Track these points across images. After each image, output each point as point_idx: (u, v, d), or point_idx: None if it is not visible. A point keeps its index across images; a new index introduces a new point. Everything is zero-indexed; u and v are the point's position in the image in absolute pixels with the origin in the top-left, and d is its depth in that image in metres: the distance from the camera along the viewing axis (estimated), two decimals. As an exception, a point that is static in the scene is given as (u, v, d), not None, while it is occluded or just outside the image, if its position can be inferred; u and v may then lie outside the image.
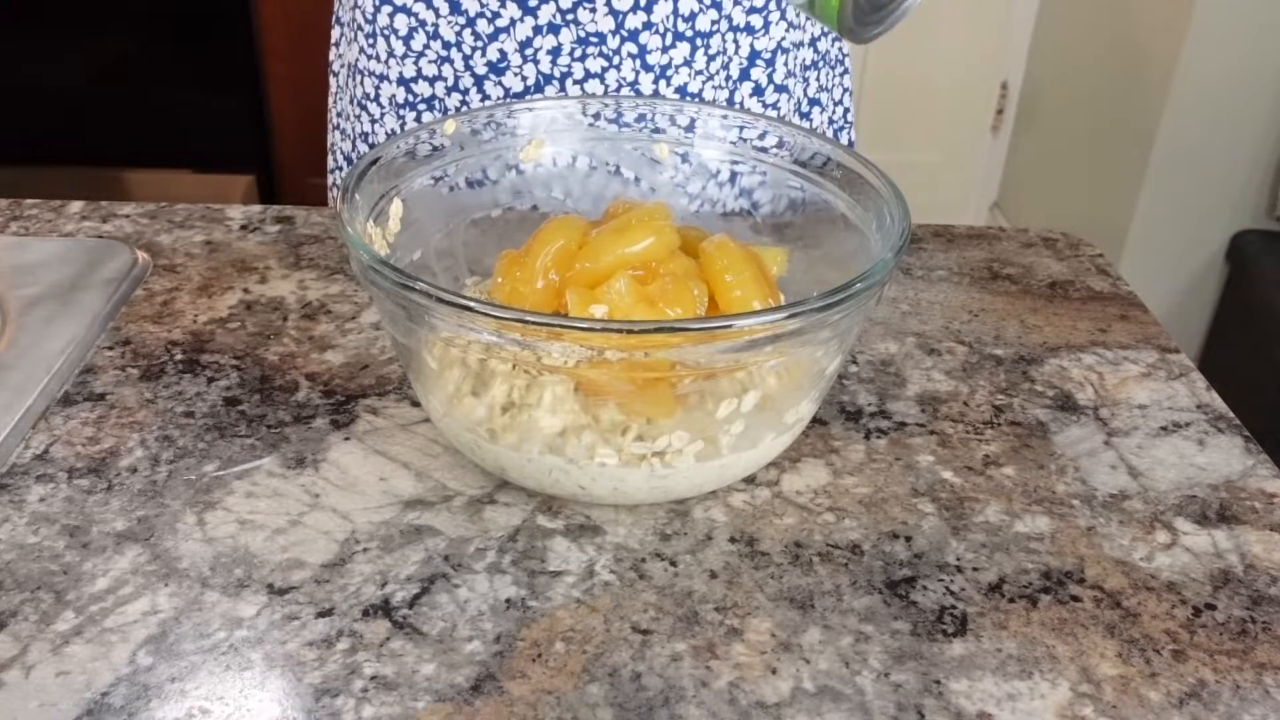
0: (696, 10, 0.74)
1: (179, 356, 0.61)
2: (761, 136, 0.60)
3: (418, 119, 0.79)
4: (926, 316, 0.68)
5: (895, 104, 2.46)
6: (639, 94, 0.75)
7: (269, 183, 2.32)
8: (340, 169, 0.88)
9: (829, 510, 0.52)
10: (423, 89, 0.77)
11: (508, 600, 0.47)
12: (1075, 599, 0.48)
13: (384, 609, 0.46)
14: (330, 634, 0.45)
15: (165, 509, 0.51)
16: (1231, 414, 0.61)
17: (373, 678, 0.43)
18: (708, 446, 0.49)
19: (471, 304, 0.44)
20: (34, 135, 2.24)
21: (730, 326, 0.45)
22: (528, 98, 0.78)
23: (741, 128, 0.60)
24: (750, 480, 0.54)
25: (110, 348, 0.62)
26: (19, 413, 0.55)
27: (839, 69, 0.87)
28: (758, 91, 0.79)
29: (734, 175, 0.62)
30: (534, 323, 0.44)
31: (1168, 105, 1.70)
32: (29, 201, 0.77)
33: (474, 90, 0.77)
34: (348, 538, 0.49)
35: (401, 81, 0.77)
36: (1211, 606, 0.48)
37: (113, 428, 0.56)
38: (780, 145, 0.59)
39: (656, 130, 0.61)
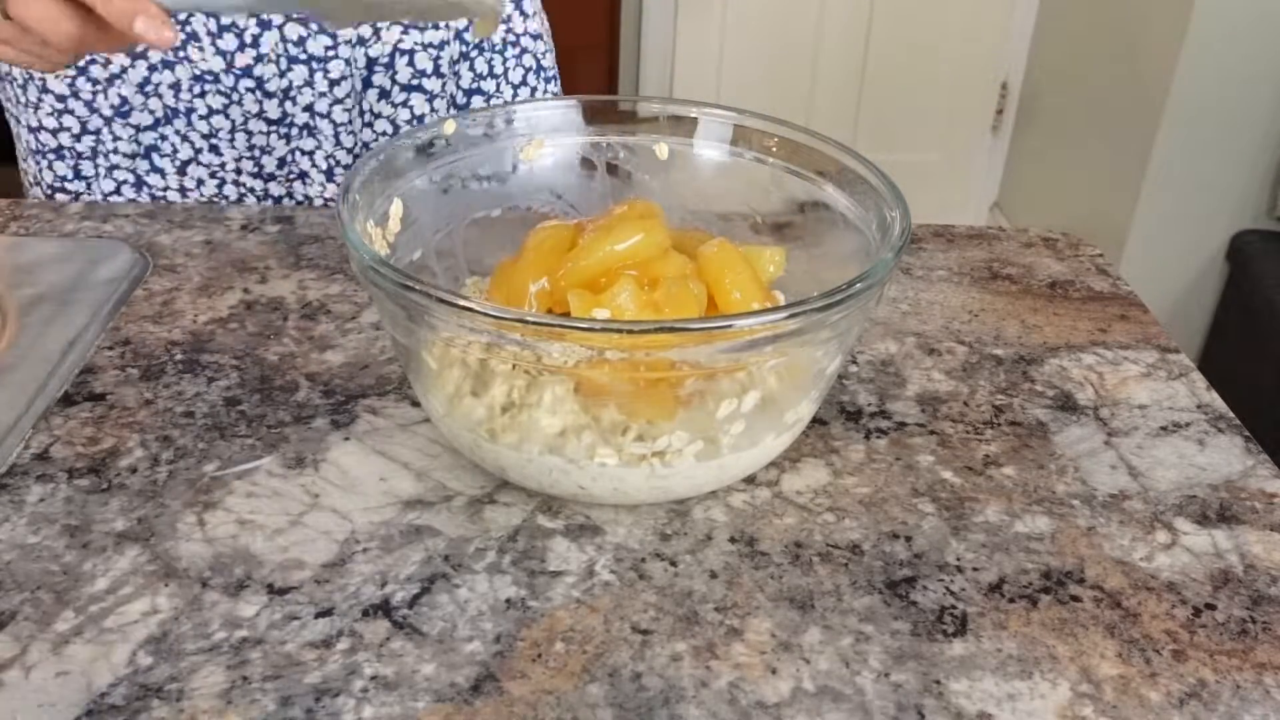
0: (305, 35, 0.79)
1: (179, 356, 0.61)
2: (762, 137, 0.60)
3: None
4: (926, 316, 0.68)
5: (895, 104, 2.46)
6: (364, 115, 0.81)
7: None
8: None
9: (829, 510, 0.52)
10: (47, 140, 0.82)
11: (508, 600, 0.47)
12: (1075, 599, 0.48)
13: (384, 609, 0.46)
14: (330, 634, 0.45)
15: (165, 509, 0.51)
16: (1231, 414, 0.61)
17: (373, 678, 0.43)
18: (708, 446, 0.49)
19: (472, 304, 0.44)
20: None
21: (730, 326, 0.45)
22: (529, 99, 0.79)
23: (742, 128, 0.60)
24: (750, 480, 0.54)
25: (110, 348, 0.62)
26: (19, 412, 0.55)
27: (513, 51, 0.88)
28: (384, 95, 0.84)
29: (734, 175, 0.62)
30: (534, 323, 0.44)
31: (1168, 105, 1.70)
32: (29, 201, 0.77)
33: (104, 129, 0.82)
34: (348, 538, 0.49)
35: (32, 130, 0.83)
36: (1211, 606, 0.48)
37: (112, 428, 0.56)
38: (781, 145, 0.59)
39: (657, 130, 0.61)
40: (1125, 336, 0.68)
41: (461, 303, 0.44)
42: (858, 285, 0.46)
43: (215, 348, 0.62)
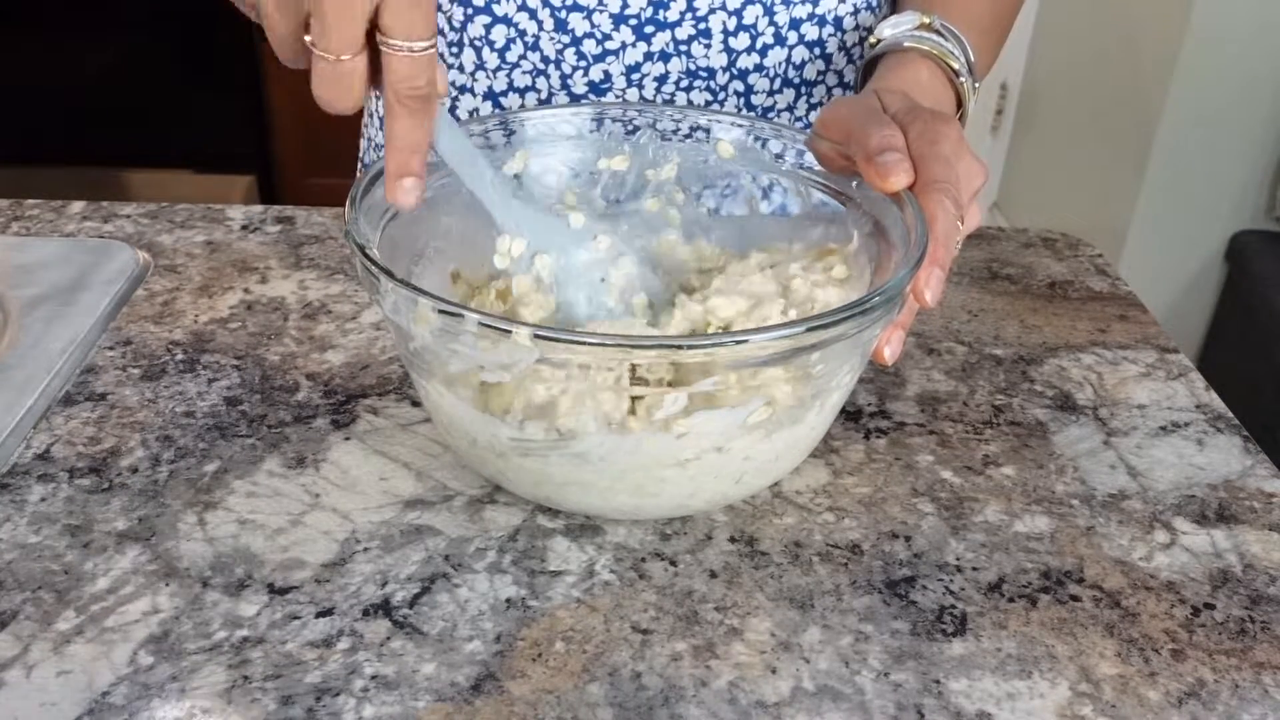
0: (806, 59, 0.74)
1: (180, 356, 0.61)
2: (773, 144, 0.59)
3: None
4: (926, 316, 0.68)
5: (895, 104, 2.45)
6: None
7: (269, 183, 2.32)
8: None
9: (829, 510, 0.53)
10: (512, 101, 0.75)
11: (508, 600, 0.47)
12: (1074, 599, 0.48)
13: (384, 609, 0.46)
14: (330, 634, 0.45)
15: (166, 509, 0.51)
16: (1230, 414, 0.61)
17: (373, 677, 0.43)
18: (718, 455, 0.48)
19: (463, 312, 0.43)
20: (35, 135, 2.24)
21: (747, 341, 0.44)
22: (541, 107, 0.76)
23: (754, 135, 0.60)
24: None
25: (111, 348, 0.62)
26: (20, 412, 0.55)
27: None
28: None
29: (742, 183, 0.61)
30: (548, 338, 0.42)
31: (1167, 105, 1.70)
32: (30, 202, 0.77)
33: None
34: (348, 537, 0.50)
35: (489, 95, 0.75)
36: (1210, 606, 0.48)
37: (114, 427, 0.56)
38: (788, 153, 0.59)
39: (665, 138, 0.60)
40: (1124, 336, 0.68)
41: (454, 311, 0.43)
42: (876, 298, 0.45)
43: (216, 348, 0.62)
